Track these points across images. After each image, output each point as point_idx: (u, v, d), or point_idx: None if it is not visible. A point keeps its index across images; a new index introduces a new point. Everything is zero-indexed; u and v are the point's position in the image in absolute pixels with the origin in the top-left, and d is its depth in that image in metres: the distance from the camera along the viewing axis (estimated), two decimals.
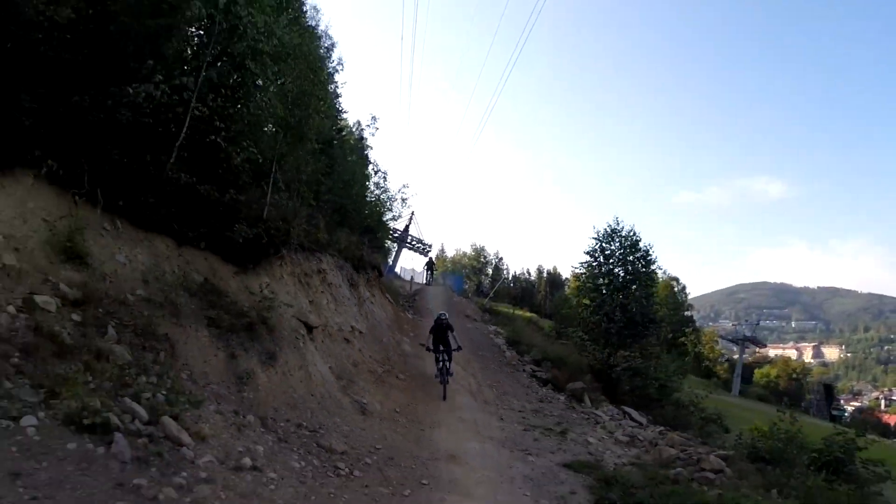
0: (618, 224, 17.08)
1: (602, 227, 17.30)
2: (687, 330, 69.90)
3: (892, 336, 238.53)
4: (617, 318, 15.50)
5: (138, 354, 5.02)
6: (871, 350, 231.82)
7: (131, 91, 5.91)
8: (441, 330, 11.27)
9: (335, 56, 15.73)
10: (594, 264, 17.17)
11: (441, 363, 11.10)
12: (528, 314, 37.26)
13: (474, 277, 69.81)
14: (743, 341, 58.32)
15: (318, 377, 7.76)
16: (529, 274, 76.16)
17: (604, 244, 16.98)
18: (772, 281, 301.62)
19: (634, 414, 12.38)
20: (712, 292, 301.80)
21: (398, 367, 11.62)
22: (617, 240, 16.98)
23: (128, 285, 5.75)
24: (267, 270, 8.28)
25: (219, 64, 7.18)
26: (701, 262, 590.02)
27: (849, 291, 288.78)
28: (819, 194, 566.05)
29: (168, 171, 6.54)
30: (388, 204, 19.60)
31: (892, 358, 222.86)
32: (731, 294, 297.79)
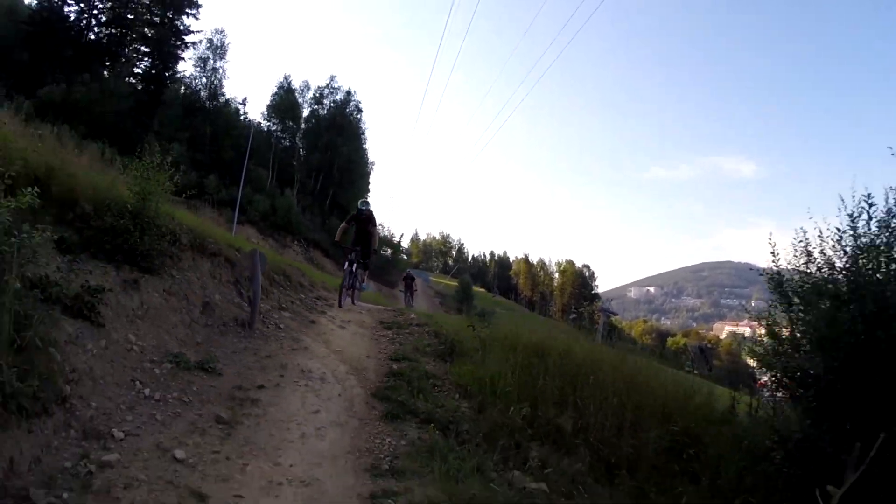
0: None
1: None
2: (585, 304, 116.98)
3: None
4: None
5: None
6: None
7: None
8: (361, 224, 9.53)
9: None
10: None
11: (351, 266, 9.33)
12: (479, 289, 79.59)
13: (440, 258, 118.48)
14: (605, 312, 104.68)
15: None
16: (485, 256, 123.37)
17: None
18: (735, 260, 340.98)
19: None
20: (678, 269, 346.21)
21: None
22: None
23: None
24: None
25: None
26: (668, 238, 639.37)
27: None
28: (790, 176, 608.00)
29: None
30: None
31: None
32: (696, 272, 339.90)
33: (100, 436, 3.73)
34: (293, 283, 9.99)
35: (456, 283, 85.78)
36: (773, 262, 5.34)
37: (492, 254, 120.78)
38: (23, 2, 41.85)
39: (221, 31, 47.93)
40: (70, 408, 3.81)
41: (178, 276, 6.17)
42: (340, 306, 9.07)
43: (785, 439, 4.59)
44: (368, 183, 59.50)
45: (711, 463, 5.06)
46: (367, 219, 9.60)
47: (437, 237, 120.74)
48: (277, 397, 4.89)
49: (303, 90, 53.07)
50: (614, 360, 6.09)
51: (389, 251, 52.35)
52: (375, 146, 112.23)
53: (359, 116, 53.49)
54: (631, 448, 5.00)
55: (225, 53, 47.49)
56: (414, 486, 3.71)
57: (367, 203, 9.72)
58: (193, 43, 44.13)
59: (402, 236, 68.98)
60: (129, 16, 41.76)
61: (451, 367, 6.09)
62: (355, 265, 9.42)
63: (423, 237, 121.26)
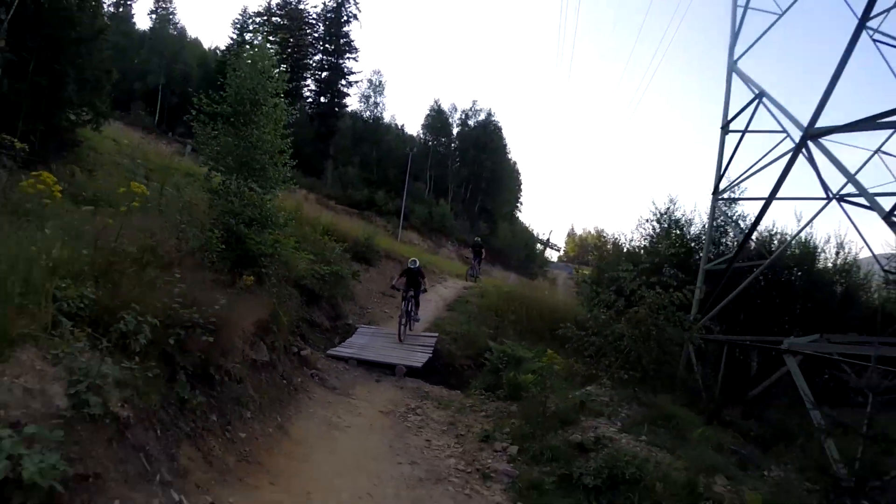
0: None
1: None
2: None
3: None
4: None
5: None
6: None
7: None
8: (412, 276, 12.67)
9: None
10: None
11: (407, 303, 12.33)
12: None
13: (596, 252, 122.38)
14: None
15: None
16: (640, 250, 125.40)
17: None
18: None
19: None
20: None
21: None
22: None
23: None
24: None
25: None
26: None
27: None
28: None
29: None
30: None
31: None
32: None
33: (363, 307, 14.46)
34: (428, 269, 20.65)
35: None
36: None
37: (644, 247, 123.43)
38: (213, 53, 53.84)
39: (378, 72, 61.62)
40: (354, 300, 14.55)
41: (380, 267, 17.01)
42: (400, 341, 11.69)
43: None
44: (519, 189, 70.54)
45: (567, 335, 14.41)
46: (417, 272, 12.94)
47: (592, 232, 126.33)
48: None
49: (451, 112, 64.98)
50: (539, 294, 15.72)
51: (540, 247, 62.48)
52: (526, 147, 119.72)
53: (500, 134, 63.89)
54: (532, 325, 14.52)
55: (383, 90, 60.69)
56: (451, 323, 13.74)
57: (416, 262, 13.26)
58: (356, 82, 57.07)
59: (550, 233, 77.95)
60: (295, 56, 54.79)
61: (480, 300, 16.01)
62: (409, 303, 12.42)
63: (578, 232, 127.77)
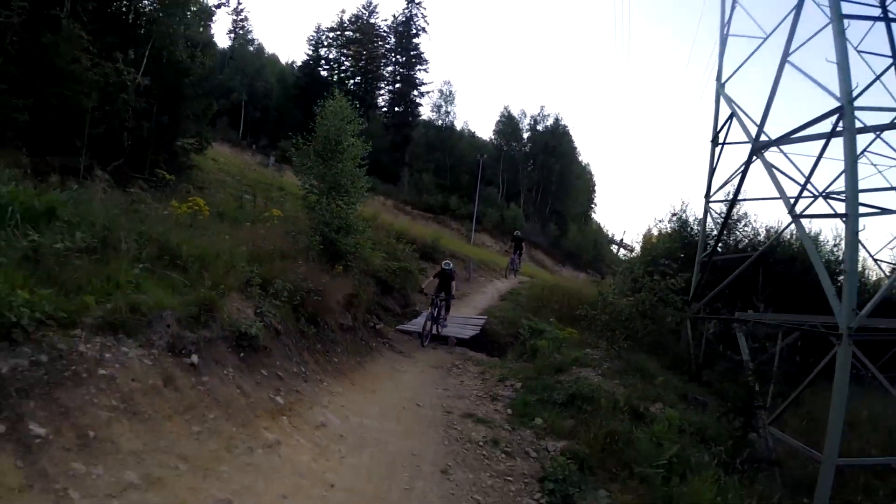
0: None
1: None
2: None
3: None
4: None
5: None
6: None
7: None
8: (445, 278, 12.85)
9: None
10: None
11: (436, 309, 12.51)
12: None
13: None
14: None
15: None
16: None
17: None
18: None
19: None
20: None
21: None
22: None
23: None
24: None
25: None
26: None
27: None
28: None
29: None
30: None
31: None
32: None
33: (420, 296, 17.28)
34: (490, 267, 23.38)
35: None
36: None
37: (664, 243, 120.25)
38: (290, 67, 58.88)
39: (448, 83, 64.97)
40: (418, 289, 17.43)
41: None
42: (423, 346, 12.06)
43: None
44: (592, 191, 72.01)
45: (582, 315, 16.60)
46: (450, 274, 13.12)
47: (669, 231, 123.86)
48: (474, 295, 18.36)
49: (521, 117, 67.21)
50: (572, 285, 18.11)
51: (614, 247, 63.97)
52: (601, 148, 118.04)
53: (568, 137, 65.52)
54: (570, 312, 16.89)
55: (453, 100, 63.53)
56: (501, 310, 16.43)
57: (450, 264, 13.72)
58: (428, 92, 59.99)
59: (624, 233, 78.44)
60: (368, 67, 57.20)
61: (529, 291, 18.54)
62: (439, 309, 12.74)
63: (655, 232, 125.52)
